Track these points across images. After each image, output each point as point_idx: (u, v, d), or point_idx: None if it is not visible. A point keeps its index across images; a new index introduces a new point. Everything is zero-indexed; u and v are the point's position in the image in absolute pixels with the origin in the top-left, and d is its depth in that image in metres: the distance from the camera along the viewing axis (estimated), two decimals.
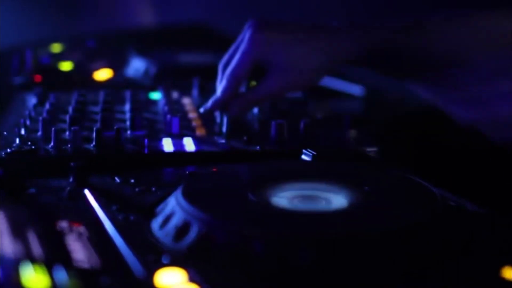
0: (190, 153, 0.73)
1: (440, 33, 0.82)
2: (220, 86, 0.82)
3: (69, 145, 0.73)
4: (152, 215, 0.53)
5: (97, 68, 1.21)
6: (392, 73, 0.87)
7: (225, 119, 0.78)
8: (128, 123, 0.81)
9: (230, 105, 0.81)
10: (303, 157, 0.70)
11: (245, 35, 0.81)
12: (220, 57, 1.27)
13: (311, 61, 0.79)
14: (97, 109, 0.87)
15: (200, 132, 0.80)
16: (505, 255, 0.47)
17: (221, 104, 0.81)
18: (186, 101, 0.96)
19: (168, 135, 0.78)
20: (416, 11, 0.85)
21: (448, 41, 0.81)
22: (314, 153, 0.69)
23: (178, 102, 0.95)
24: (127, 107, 0.89)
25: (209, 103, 0.82)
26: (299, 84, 0.81)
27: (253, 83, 1.00)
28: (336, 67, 0.81)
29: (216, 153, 0.73)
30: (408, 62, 0.83)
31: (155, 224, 0.51)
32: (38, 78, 1.12)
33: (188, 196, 0.52)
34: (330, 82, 1.19)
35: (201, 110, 0.83)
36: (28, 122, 0.81)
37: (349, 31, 0.80)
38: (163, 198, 0.56)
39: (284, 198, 0.54)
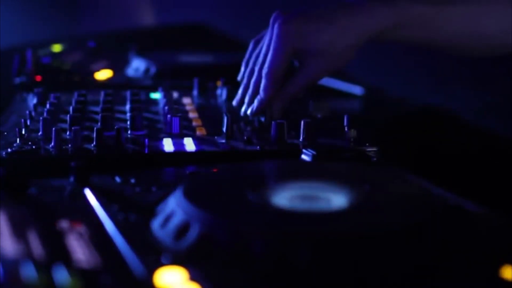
0: (190, 153, 0.73)
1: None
2: (261, 87, 0.83)
3: (69, 145, 0.73)
4: (153, 215, 0.53)
5: (97, 68, 1.21)
6: (420, 44, 0.89)
7: (225, 119, 0.78)
8: (128, 123, 0.81)
9: (273, 105, 0.82)
10: (303, 156, 0.70)
11: (274, 31, 0.82)
12: (220, 57, 1.28)
13: (344, 40, 0.82)
14: (98, 109, 0.87)
15: (200, 132, 0.80)
16: (504, 255, 0.47)
17: (266, 104, 0.82)
18: (186, 101, 0.96)
19: (168, 135, 0.78)
20: None
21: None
22: (314, 152, 0.69)
23: (178, 102, 0.95)
24: (127, 107, 0.90)
25: (255, 106, 0.83)
26: (337, 64, 0.83)
27: None
28: (367, 40, 0.83)
29: (216, 153, 0.73)
30: (433, 35, 0.85)
31: (156, 223, 0.51)
32: (38, 78, 1.12)
33: (188, 196, 0.52)
34: (330, 82, 1.19)
35: (248, 113, 0.83)
36: (28, 122, 0.81)
37: (373, 5, 0.82)
38: (164, 198, 0.56)
39: (284, 197, 0.54)
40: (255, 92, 0.84)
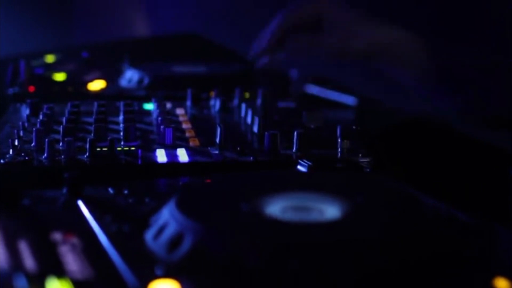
0: (184, 164, 0.73)
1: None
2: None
3: (62, 156, 0.73)
4: (146, 226, 0.53)
5: (90, 79, 1.21)
6: None
7: (218, 130, 0.78)
8: (121, 134, 0.81)
9: None
10: (299, 167, 0.70)
11: None
12: (213, 67, 1.28)
13: None
14: (91, 120, 0.87)
15: (193, 142, 0.80)
16: (497, 266, 0.47)
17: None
18: (180, 111, 0.96)
19: (161, 146, 0.78)
20: None
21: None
22: (310, 163, 0.69)
23: (171, 113, 0.95)
24: (120, 118, 0.90)
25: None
26: None
27: (247, 95, 1.01)
28: None
29: (210, 164, 0.73)
30: None
31: (149, 235, 0.51)
32: (32, 88, 1.12)
33: (181, 207, 0.52)
34: (324, 92, 1.20)
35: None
36: (22, 133, 0.81)
37: None
38: (157, 209, 0.56)
39: (278, 208, 0.54)
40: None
